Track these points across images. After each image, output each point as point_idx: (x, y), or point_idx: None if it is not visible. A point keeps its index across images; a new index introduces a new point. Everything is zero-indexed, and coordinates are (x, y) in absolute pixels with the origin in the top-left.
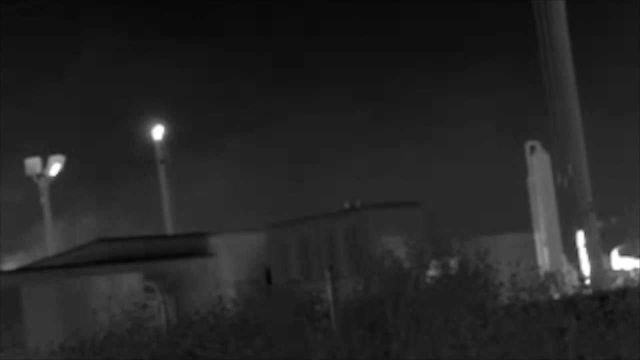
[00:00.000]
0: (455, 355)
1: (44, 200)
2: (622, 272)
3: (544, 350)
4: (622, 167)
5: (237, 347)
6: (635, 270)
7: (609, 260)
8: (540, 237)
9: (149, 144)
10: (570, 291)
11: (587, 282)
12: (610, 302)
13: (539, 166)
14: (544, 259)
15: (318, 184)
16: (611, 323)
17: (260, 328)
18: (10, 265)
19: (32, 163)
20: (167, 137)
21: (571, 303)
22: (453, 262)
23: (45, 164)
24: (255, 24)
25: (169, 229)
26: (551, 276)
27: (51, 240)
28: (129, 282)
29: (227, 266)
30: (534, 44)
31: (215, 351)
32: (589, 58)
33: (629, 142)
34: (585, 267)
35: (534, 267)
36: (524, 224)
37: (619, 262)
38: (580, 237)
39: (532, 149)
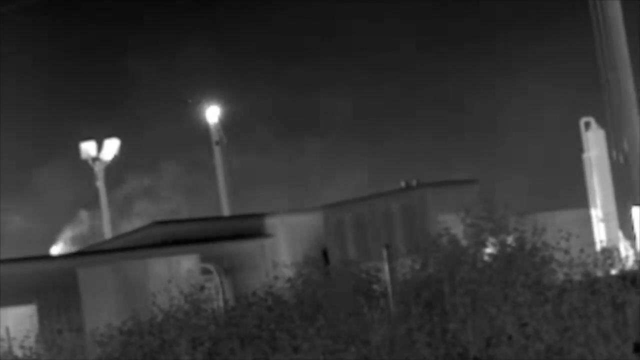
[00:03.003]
0: (514, 332)
1: (100, 183)
2: None
3: (604, 326)
4: None
5: (297, 327)
6: None
7: None
8: (596, 213)
9: (204, 125)
10: (627, 266)
11: None
12: None
13: (594, 142)
14: (600, 235)
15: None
16: None
17: (319, 308)
18: (67, 249)
19: (87, 147)
20: (222, 119)
21: (629, 278)
22: (510, 240)
23: (100, 148)
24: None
25: (226, 211)
26: (608, 252)
27: (107, 224)
28: (187, 264)
29: (284, 247)
30: (588, 20)
31: (275, 331)
32: None
33: None
34: None
35: (591, 243)
36: (580, 200)
37: None
38: (636, 213)
39: (587, 125)
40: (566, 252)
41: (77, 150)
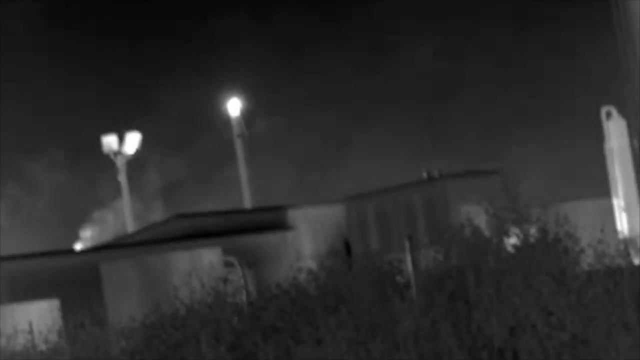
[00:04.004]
0: (538, 322)
1: (122, 177)
2: None
3: (627, 316)
4: None
5: (320, 319)
6: None
7: None
8: (618, 202)
9: (225, 118)
10: None
11: None
12: None
13: (615, 132)
14: (622, 224)
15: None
16: None
17: (342, 300)
18: (89, 243)
19: (109, 141)
20: (244, 111)
21: None
22: (533, 230)
23: (122, 141)
24: None
25: (248, 203)
26: (630, 241)
27: (129, 217)
28: (209, 257)
29: (307, 239)
30: (607, 8)
31: (298, 324)
32: None
33: None
34: None
35: (613, 232)
36: (602, 190)
37: None
38: None
39: (609, 114)
40: (589, 243)
41: (98, 145)
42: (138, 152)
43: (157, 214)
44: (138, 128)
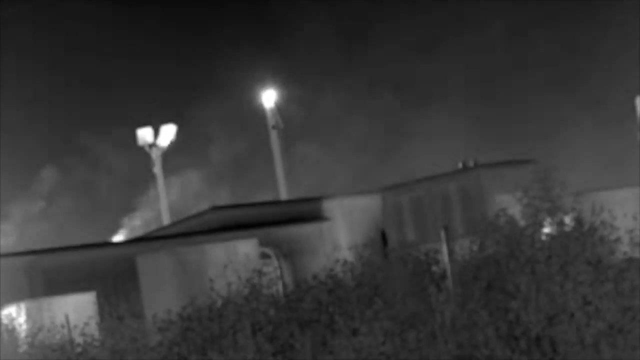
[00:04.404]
0: (575, 310)
1: (157, 169)
2: None
3: None
4: None
5: (356, 309)
6: None
7: None
8: None
9: (260, 110)
10: None
11: None
12: None
13: None
14: None
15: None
16: None
17: (378, 290)
18: (125, 235)
19: (144, 133)
20: (279, 103)
21: None
22: (568, 219)
23: (156, 134)
24: None
25: (283, 195)
26: None
27: (165, 210)
28: (245, 249)
29: (343, 230)
30: None
31: (334, 315)
32: None
33: None
34: None
35: None
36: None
37: None
38: None
39: None
40: (624, 231)
41: (133, 137)
42: (173, 143)
43: (194, 206)
44: (173, 120)
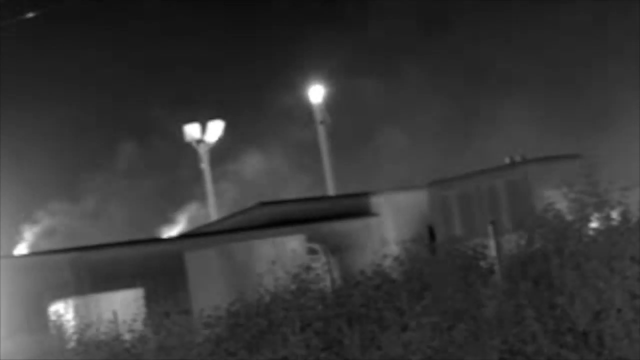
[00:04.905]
0: (623, 305)
1: (204, 165)
2: None
3: None
4: None
5: (405, 305)
6: None
7: None
8: None
9: (307, 105)
10: None
11: None
12: None
13: None
14: None
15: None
16: None
17: (426, 286)
18: (173, 232)
19: (191, 129)
20: (326, 99)
21: None
22: (615, 214)
23: (204, 130)
24: None
25: (331, 190)
26: None
27: (213, 206)
28: (292, 244)
29: (390, 225)
30: None
31: (383, 310)
32: None
33: None
34: None
35: None
36: None
37: None
38: None
39: None
40: None
41: (180, 133)
42: (220, 140)
43: (242, 202)
44: (220, 116)
